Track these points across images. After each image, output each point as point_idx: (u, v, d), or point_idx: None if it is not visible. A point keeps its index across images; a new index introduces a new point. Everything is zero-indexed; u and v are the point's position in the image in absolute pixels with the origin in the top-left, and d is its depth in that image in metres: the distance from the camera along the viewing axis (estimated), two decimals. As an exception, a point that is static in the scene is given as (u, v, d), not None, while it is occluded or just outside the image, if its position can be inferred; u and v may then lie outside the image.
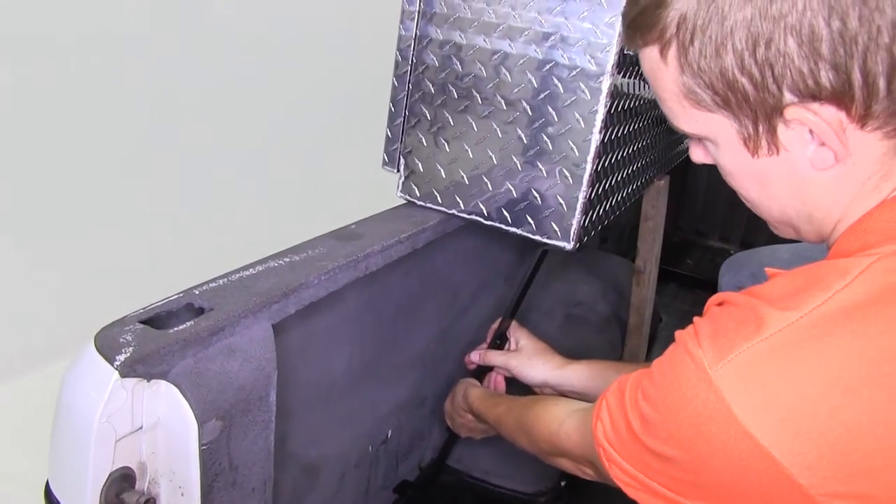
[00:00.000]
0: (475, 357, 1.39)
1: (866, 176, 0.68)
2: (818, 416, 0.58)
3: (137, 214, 2.03)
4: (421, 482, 1.45)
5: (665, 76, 0.71)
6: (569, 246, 1.14)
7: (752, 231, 3.02)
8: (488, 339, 1.40)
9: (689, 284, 2.78)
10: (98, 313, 2.04)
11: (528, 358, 1.33)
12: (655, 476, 0.68)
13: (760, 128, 0.68)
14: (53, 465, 0.75)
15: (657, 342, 2.27)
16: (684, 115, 0.73)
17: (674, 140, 1.82)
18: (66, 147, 1.79)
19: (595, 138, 1.08)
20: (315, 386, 1.15)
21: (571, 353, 1.63)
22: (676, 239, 3.17)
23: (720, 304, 0.70)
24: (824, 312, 0.61)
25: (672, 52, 0.68)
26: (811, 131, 0.66)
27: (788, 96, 0.65)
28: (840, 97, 0.64)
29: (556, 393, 1.32)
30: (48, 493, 0.76)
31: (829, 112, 0.64)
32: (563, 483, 1.60)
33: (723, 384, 0.61)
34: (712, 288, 2.74)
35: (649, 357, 2.04)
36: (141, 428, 0.73)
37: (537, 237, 1.16)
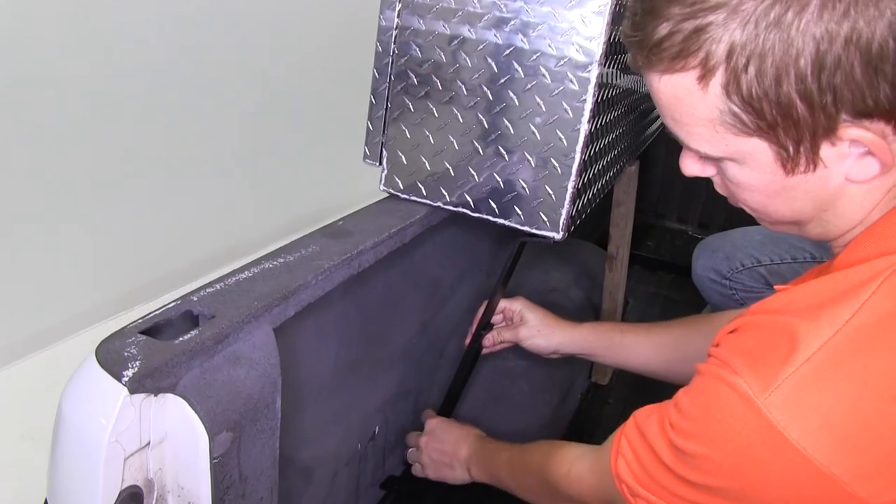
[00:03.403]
0: (489, 341, 1.37)
1: (893, 184, 0.69)
2: (872, 428, 0.59)
3: (115, 207, 1.98)
4: (408, 476, 1.44)
5: (698, 103, 0.68)
6: (558, 236, 1.13)
7: (709, 211, 3.05)
8: (474, 326, 1.38)
9: (652, 266, 2.80)
10: (74, 306, 1.97)
11: (536, 328, 1.34)
12: None
13: (802, 148, 0.67)
14: (54, 486, 0.71)
15: (626, 325, 2.29)
16: (713, 140, 0.71)
17: (642, 126, 1.82)
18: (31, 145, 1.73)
19: (584, 128, 1.07)
20: (305, 386, 1.13)
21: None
22: (637, 222, 3.18)
23: (734, 332, 0.70)
24: (858, 324, 0.61)
25: (717, 79, 0.66)
26: (853, 145, 0.66)
27: (844, 116, 0.64)
28: (892, 113, 0.64)
29: (564, 357, 1.35)
30: (48, 514, 0.72)
31: (879, 127, 0.64)
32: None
33: (774, 413, 0.61)
34: (675, 269, 2.78)
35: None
36: (148, 444, 0.70)
37: (526, 228, 1.15)
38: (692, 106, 0.69)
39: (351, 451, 1.28)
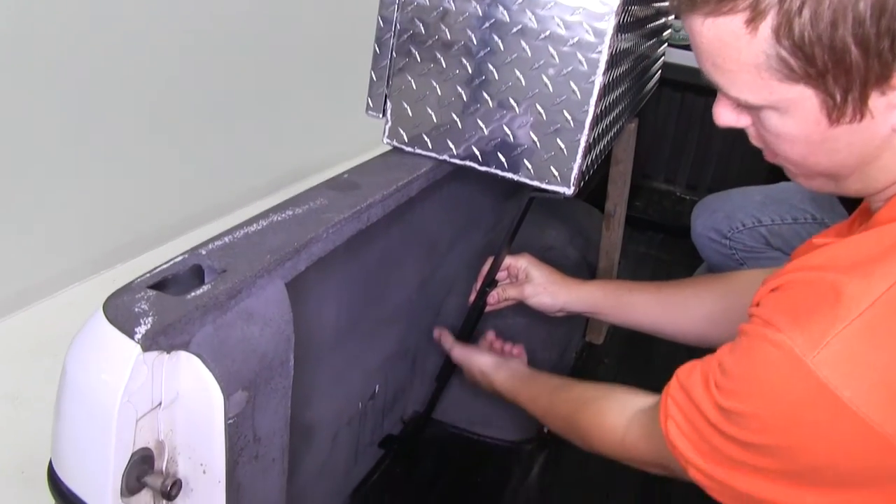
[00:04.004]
0: (493, 299, 1.32)
1: None
2: None
3: (116, 154, 1.93)
4: (406, 435, 1.42)
5: (744, 47, 0.65)
6: (569, 191, 1.10)
7: (697, 173, 3.04)
8: (479, 283, 1.34)
9: (641, 226, 2.79)
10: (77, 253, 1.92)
11: (542, 286, 1.29)
12: (741, 468, 0.67)
13: (850, 96, 0.64)
14: (60, 448, 0.68)
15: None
16: (756, 87, 0.67)
17: (641, 84, 1.79)
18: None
19: (599, 80, 1.04)
20: (307, 345, 1.09)
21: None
22: (623, 181, 3.17)
23: (776, 290, 0.68)
24: None
25: (768, 22, 0.62)
26: None
27: None
28: None
29: (568, 315, 1.31)
30: (53, 478, 0.69)
31: None
32: (545, 429, 1.59)
33: (824, 371, 0.59)
34: (663, 229, 2.77)
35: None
36: (160, 404, 0.66)
37: (535, 182, 1.11)
38: (737, 51, 0.66)
39: (352, 410, 1.25)
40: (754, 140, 0.77)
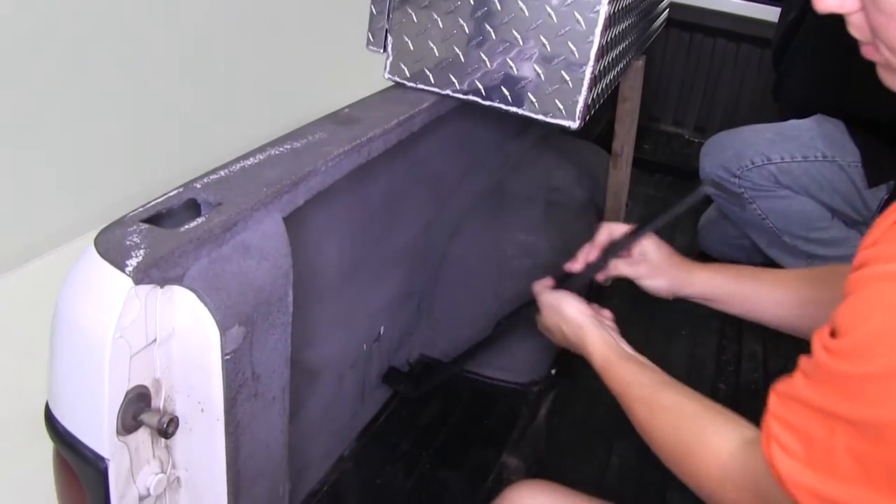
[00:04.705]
0: (601, 276, 1.15)
1: None
2: None
3: (121, 105, 1.90)
4: (410, 373, 1.41)
5: None
6: (574, 125, 1.07)
7: (706, 115, 2.98)
8: (593, 253, 1.15)
9: (650, 169, 2.75)
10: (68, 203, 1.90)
11: (660, 268, 1.12)
12: (865, 471, 0.54)
13: None
14: (56, 389, 0.66)
15: (627, 226, 2.24)
16: None
17: (648, 21, 1.74)
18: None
19: (605, 9, 1.00)
20: (309, 284, 1.07)
21: (554, 238, 1.60)
22: (631, 124, 3.13)
23: None
24: None
25: None
26: None
27: None
28: None
29: (675, 297, 1.14)
30: (50, 419, 0.67)
31: None
32: (553, 371, 1.58)
33: None
34: (671, 171, 2.73)
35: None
36: (155, 341, 0.65)
37: (539, 116, 1.08)
38: None
39: (357, 352, 1.24)
40: (855, 30, 0.65)
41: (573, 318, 1.06)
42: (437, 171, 1.38)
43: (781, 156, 1.73)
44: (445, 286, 1.49)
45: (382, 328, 1.31)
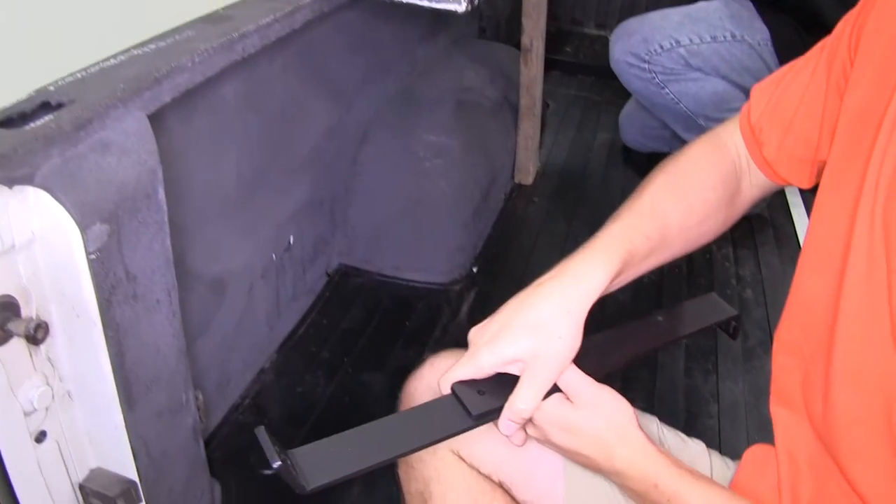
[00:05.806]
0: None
1: None
2: None
3: None
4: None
5: None
6: (461, 8, 1.05)
7: (627, 16, 2.94)
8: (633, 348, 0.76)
9: (572, 71, 2.74)
10: None
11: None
12: None
13: None
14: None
15: (548, 127, 2.24)
16: None
17: None
18: None
19: None
20: (206, 196, 1.05)
21: (471, 139, 1.58)
22: (553, 29, 3.09)
23: None
24: None
25: None
26: None
27: None
28: None
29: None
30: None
31: None
32: (474, 269, 1.59)
33: None
34: (594, 72, 2.72)
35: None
36: (13, 246, 0.62)
37: (426, 3, 1.06)
38: None
39: (265, 262, 1.23)
40: None
41: (617, 422, 0.63)
42: (335, 77, 1.35)
43: (690, 38, 1.72)
44: (359, 193, 1.47)
45: (292, 237, 1.30)
